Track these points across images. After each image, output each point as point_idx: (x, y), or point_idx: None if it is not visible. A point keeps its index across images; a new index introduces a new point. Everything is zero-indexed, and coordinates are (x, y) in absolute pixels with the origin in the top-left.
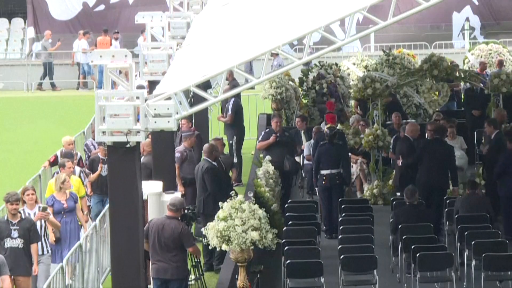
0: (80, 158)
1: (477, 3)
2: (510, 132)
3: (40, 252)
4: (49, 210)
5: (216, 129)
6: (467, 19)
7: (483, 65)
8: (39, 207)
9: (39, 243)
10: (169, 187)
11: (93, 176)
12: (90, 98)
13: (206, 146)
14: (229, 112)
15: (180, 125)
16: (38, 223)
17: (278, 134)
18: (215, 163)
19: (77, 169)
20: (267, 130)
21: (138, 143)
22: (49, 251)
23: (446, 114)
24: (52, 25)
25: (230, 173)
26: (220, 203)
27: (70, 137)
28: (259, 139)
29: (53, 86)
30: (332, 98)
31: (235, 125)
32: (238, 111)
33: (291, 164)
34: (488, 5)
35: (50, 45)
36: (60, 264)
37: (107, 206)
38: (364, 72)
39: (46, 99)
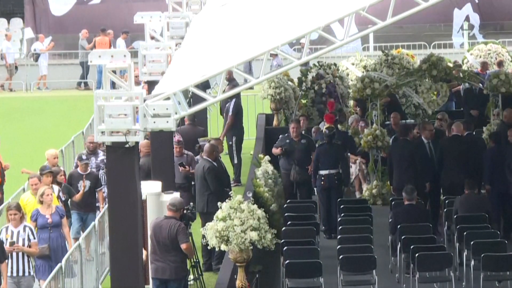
0: (64, 173)
1: (477, 1)
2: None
3: (21, 274)
4: (32, 225)
5: (215, 129)
6: (467, 18)
7: (485, 65)
8: (15, 233)
9: (21, 264)
10: (168, 187)
11: (78, 195)
12: None
13: (206, 146)
14: (230, 113)
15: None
16: (20, 242)
17: (285, 144)
18: (215, 163)
19: (56, 188)
20: (286, 135)
21: (137, 143)
22: (31, 272)
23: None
24: (51, 24)
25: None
26: (219, 203)
27: (55, 150)
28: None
29: (86, 85)
30: (331, 98)
31: (235, 125)
32: (238, 112)
33: (296, 174)
34: (489, 3)
35: (87, 44)
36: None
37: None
38: (363, 72)
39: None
